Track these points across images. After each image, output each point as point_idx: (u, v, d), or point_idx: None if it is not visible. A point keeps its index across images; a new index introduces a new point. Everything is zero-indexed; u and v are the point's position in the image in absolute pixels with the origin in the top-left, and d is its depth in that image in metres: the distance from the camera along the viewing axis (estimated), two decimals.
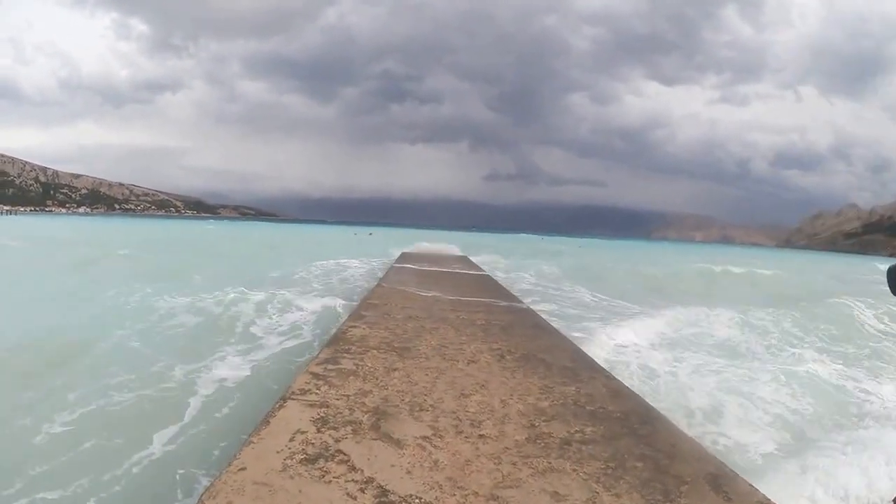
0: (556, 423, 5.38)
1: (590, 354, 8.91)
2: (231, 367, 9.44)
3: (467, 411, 5.52)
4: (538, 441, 4.91)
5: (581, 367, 7.77)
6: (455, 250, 38.93)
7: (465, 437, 4.86)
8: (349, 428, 4.82)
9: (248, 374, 9.16)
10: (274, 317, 13.50)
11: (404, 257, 29.09)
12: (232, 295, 15.20)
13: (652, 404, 6.51)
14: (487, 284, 18.30)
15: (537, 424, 5.31)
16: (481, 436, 4.90)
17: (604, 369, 7.89)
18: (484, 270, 23.90)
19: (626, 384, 7.23)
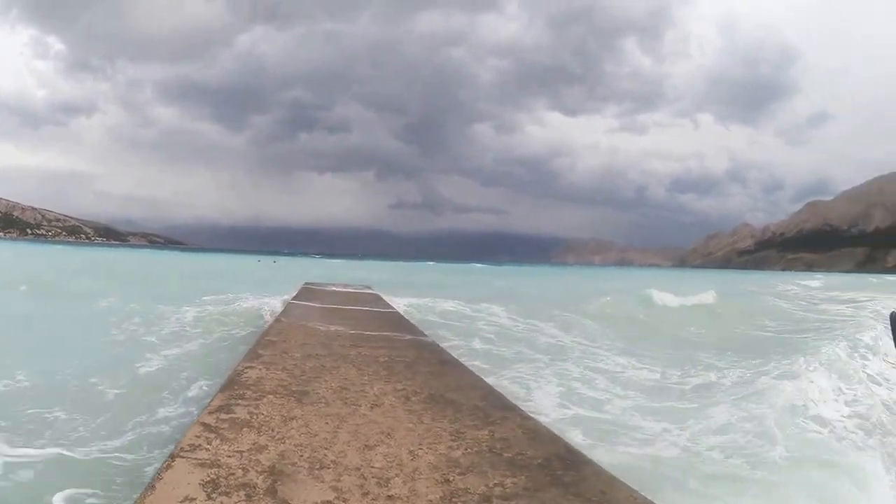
0: (472, 477, 4.98)
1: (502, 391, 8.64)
2: None
3: (373, 467, 5.07)
4: (454, 500, 4.52)
5: (492, 406, 7.42)
6: (358, 280, 38.60)
7: (372, 498, 4.42)
8: (242, 493, 4.32)
9: None
10: None
11: (306, 288, 28.36)
12: None
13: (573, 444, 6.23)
14: (390, 316, 17.97)
15: (451, 479, 4.90)
16: (390, 497, 4.47)
17: (517, 407, 7.57)
18: (386, 301, 23.57)
19: (543, 422, 6.96)
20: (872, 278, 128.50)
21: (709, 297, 35.33)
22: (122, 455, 7.22)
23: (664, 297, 33.25)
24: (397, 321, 16.78)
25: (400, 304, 23.45)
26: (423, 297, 28.00)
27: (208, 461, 4.88)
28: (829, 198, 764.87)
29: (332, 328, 13.74)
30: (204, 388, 10.11)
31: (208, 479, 4.53)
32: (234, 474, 4.66)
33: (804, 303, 43.42)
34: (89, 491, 6.15)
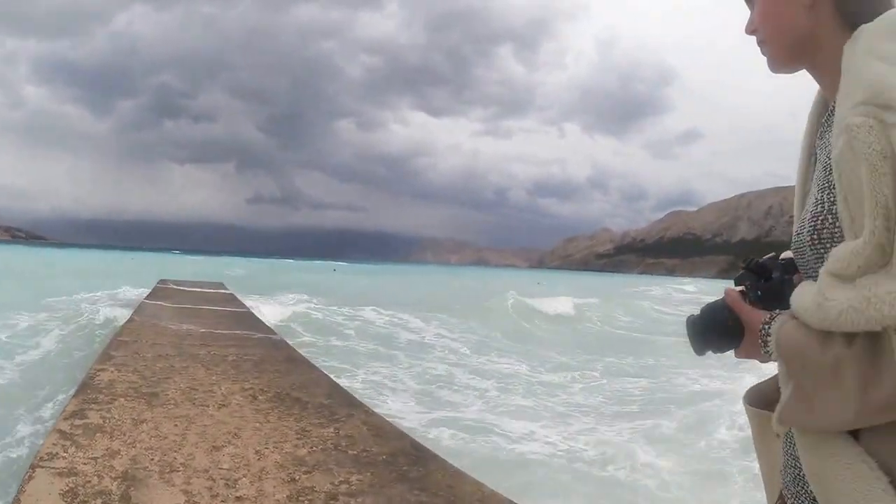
0: (318, 475, 5.27)
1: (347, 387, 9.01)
2: None
3: (221, 468, 5.29)
4: (301, 499, 4.79)
5: (338, 403, 7.78)
6: (211, 278, 37.95)
7: (222, 500, 4.66)
8: (99, 501, 4.47)
9: None
10: None
11: (160, 285, 27.89)
12: None
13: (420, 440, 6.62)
14: (241, 315, 18.06)
15: (298, 478, 5.17)
16: (238, 498, 4.73)
17: (363, 404, 7.95)
18: (238, 298, 23.48)
19: (389, 419, 7.35)
20: None
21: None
22: None
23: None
24: (248, 319, 16.89)
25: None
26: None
27: (66, 470, 4.93)
28: (693, 208, 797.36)
29: (184, 327, 13.78)
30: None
31: (67, 488, 4.58)
32: (90, 482, 4.74)
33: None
34: None
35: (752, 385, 1.67)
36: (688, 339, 1.63)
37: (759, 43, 1.57)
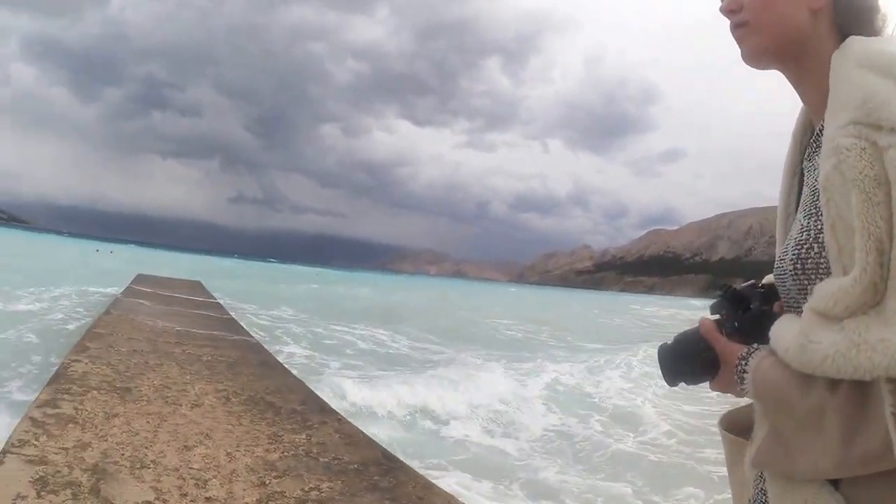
0: (289, 480, 5.28)
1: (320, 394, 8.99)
2: None
3: (191, 468, 5.28)
4: (270, 502, 4.80)
5: (311, 410, 7.79)
6: (191, 275, 37.80)
7: (191, 500, 4.65)
8: (69, 491, 4.46)
9: None
10: None
11: (138, 280, 27.64)
12: None
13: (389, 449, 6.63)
14: (218, 315, 18.05)
15: (268, 482, 5.18)
16: (208, 498, 4.72)
17: (335, 412, 7.95)
18: (216, 298, 23.39)
19: (360, 427, 7.34)
20: None
21: None
22: None
23: None
24: (224, 320, 16.86)
25: None
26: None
27: (36, 458, 4.92)
28: (673, 227, 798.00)
29: (160, 324, 13.75)
30: None
31: (37, 476, 4.58)
32: (60, 472, 4.73)
33: None
34: None
35: (729, 409, 1.59)
36: (659, 368, 1.54)
37: (739, 26, 1.43)
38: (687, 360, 1.49)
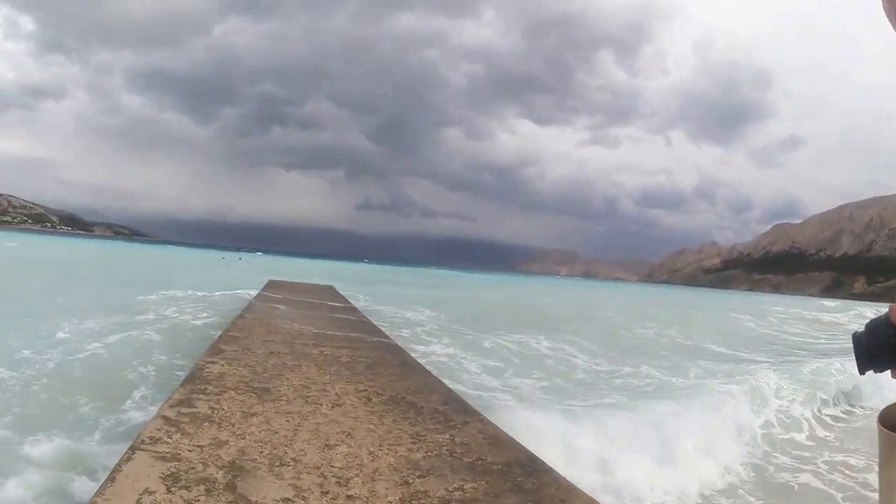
0: (433, 480, 5.00)
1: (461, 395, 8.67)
2: None
3: (333, 466, 5.07)
4: (413, 502, 4.53)
5: (454, 410, 7.45)
6: (322, 280, 38.40)
7: (332, 497, 4.43)
8: (202, 487, 4.30)
9: None
10: None
11: (270, 286, 28.04)
12: None
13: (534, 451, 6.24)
14: (353, 317, 17.96)
15: (411, 481, 4.92)
16: (350, 497, 4.48)
17: (478, 412, 7.59)
18: (350, 302, 23.51)
19: (504, 429, 6.97)
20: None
21: None
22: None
23: None
24: (361, 322, 16.77)
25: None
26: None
27: (168, 454, 4.83)
28: (797, 221, 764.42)
29: (295, 326, 13.71)
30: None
31: (168, 472, 4.49)
32: (194, 468, 4.63)
33: None
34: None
35: (890, 404, 1.49)
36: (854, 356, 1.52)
37: None
38: (877, 347, 1.46)
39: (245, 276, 43.09)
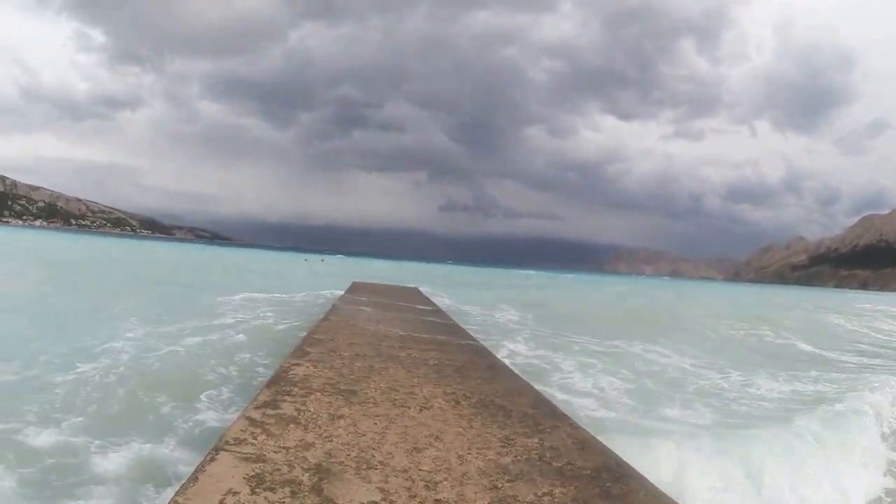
0: (522, 484, 4.87)
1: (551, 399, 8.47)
2: None
3: (421, 469, 4.98)
4: None
5: (543, 414, 7.27)
6: (406, 282, 38.49)
7: (420, 501, 4.35)
8: (287, 489, 4.26)
9: None
10: None
11: (354, 288, 28.20)
12: None
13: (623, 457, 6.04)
14: (440, 319, 17.84)
15: (500, 486, 4.79)
16: (437, 500, 4.39)
17: (567, 417, 7.39)
18: (435, 304, 23.44)
19: (592, 433, 6.76)
20: None
21: None
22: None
23: None
24: (446, 324, 16.68)
25: None
26: None
27: (253, 456, 4.83)
28: (885, 211, 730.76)
29: (381, 328, 13.69)
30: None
31: (253, 473, 4.49)
32: (279, 470, 4.61)
33: None
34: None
35: None
36: None
37: None
38: None
39: (327, 279, 43.35)
